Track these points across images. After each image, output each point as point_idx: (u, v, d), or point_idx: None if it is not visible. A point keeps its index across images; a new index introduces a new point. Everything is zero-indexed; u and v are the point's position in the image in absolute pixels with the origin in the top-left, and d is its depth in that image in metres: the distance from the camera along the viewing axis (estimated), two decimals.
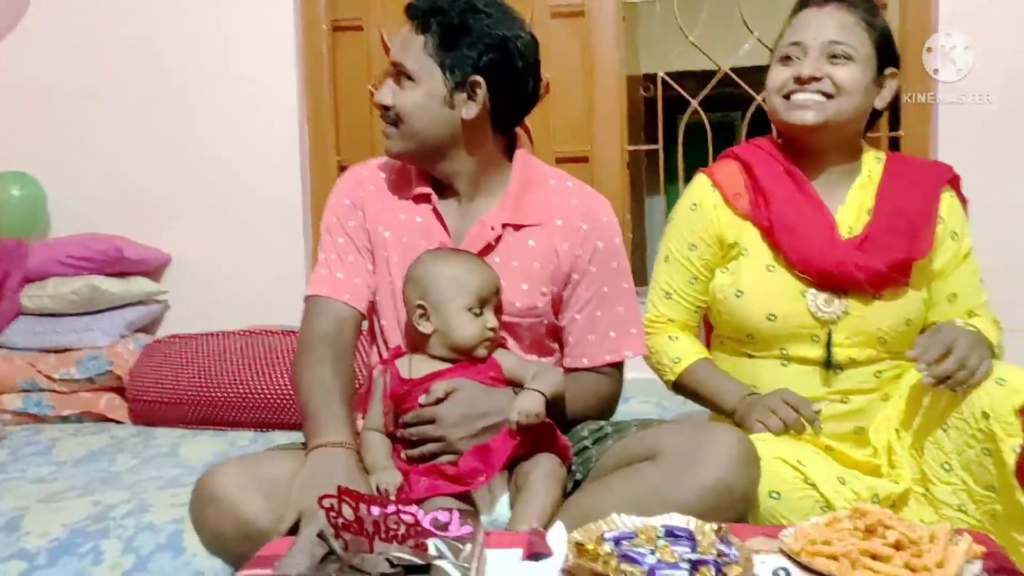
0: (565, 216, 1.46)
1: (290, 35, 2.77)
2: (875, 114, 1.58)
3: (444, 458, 1.28)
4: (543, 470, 1.28)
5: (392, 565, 0.84)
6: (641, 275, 1.98)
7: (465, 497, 1.25)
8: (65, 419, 2.48)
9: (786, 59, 1.52)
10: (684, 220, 1.61)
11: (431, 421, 1.29)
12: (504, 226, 1.43)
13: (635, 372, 1.66)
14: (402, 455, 1.32)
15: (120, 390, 2.52)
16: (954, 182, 1.58)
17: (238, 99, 2.78)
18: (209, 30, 2.77)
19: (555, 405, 1.33)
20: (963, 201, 1.58)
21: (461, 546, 0.90)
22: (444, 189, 1.47)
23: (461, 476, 1.25)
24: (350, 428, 1.31)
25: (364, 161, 1.59)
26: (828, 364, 1.49)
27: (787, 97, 1.51)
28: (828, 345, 1.48)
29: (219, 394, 2.36)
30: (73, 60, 2.80)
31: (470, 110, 1.40)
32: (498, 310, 1.39)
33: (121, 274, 2.63)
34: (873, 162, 1.59)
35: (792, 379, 1.50)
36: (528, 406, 1.26)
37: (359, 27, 2.84)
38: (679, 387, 1.61)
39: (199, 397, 2.38)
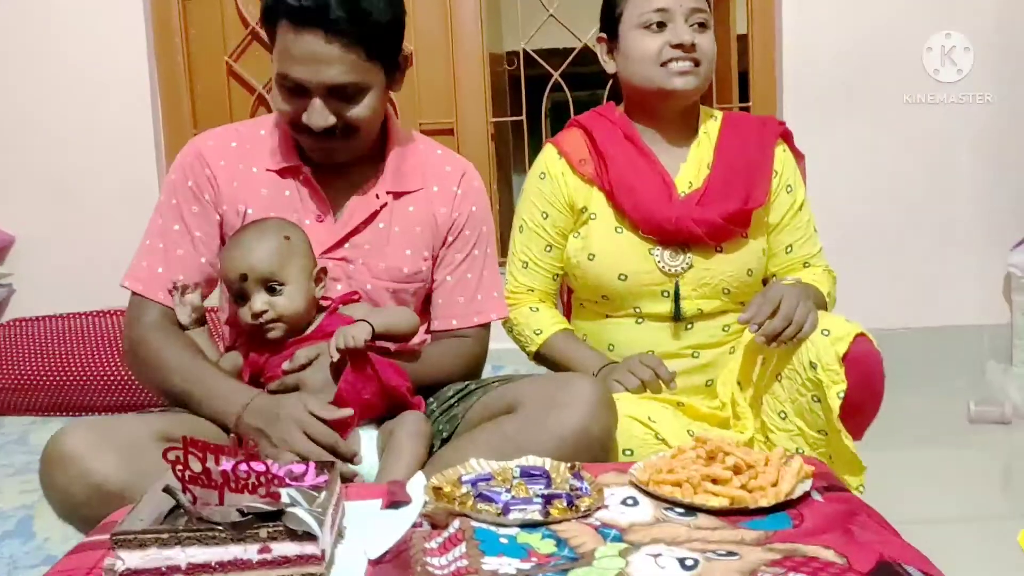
0: (440, 182, 1.46)
1: (137, 1, 2.65)
2: None
3: None
4: (408, 429, 1.28)
5: (243, 515, 0.82)
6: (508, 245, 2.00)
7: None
8: None
9: (655, 26, 1.52)
10: (535, 189, 1.64)
11: (296, 388, 1.27)
12: (387, 193, 1.42)
13: (510, 342, 1.69)
14: None
15: None
16: (786, 136, 1.65)
17: (84, 69, 2.65)
18: None
19: (414, 365, 1.34)
20: (797, 155, 1.66)
21: (316, 494, 0.89)
22: (313, 159, 1.41)
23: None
24: (244, 383, 1.29)
25: (207, 131, 1.48)
26: (677, 317, 1.54)
27: (663, 65, 1.51)
28: (676, 298, 1.54)
29: (71, 378, 2.27)
30: None
31: (399, 84, 1.39)
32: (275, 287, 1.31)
33: None
34: (710, 121, 1.65)
35: (647, 336, 1.56)
36: (348, 331, 1.25)
37: None
38: (540, 358, 1.64)
39: (50, 382, 2.28)
